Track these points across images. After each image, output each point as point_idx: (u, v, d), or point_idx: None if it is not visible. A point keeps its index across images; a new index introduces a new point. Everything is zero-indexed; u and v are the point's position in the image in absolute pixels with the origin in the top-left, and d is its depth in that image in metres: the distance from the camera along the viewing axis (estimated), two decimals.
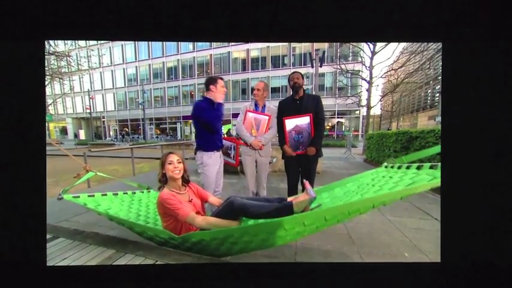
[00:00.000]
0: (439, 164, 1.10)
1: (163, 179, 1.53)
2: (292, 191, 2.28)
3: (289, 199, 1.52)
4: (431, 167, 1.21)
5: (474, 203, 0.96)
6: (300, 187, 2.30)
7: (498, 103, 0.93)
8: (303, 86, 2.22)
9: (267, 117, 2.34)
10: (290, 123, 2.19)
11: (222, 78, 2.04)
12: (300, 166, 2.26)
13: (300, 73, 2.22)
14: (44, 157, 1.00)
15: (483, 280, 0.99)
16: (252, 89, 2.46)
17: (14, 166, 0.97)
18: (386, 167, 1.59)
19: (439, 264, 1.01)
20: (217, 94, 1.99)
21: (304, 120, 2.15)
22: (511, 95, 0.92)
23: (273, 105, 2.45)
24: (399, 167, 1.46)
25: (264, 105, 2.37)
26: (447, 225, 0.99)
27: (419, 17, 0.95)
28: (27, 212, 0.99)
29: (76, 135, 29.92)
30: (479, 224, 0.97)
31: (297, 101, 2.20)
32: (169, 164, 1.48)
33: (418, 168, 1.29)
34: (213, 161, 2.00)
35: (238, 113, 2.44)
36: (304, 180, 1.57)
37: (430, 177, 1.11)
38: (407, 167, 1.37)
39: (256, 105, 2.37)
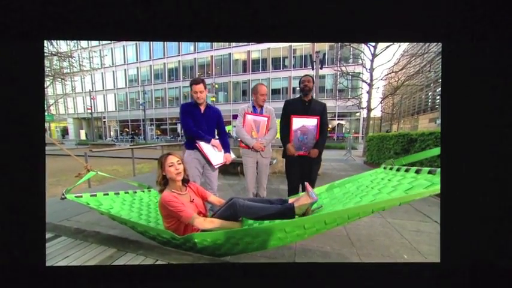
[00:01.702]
0: (438, 169, 1.09)
1: (163, 181, 1.51)
2: (292, 192, 2.28)
3: (290, 200, 1.52)
4: (429, 172, 1.20)
5: (474, 203, 0.97)
6: (300, 188, 2.31)
7: (498, 104, 0.94)
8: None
9: (266, 119, 2.35)
10: (297, 122, 2.21)
11: (196, 83, 2.02)
12: (302, 168, 2.27)
13: (312, 77, 2.26)
14: (44, 157, 0.99)
15: (483, 281, 0.99)
16: (252, 91, 2.48)
17: (13, 166, 0.97)
18: (385, 168, 1.59)
19: (438, 264, 1.01)
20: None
21: (311, 122, 2.19)
22: (511, 95, 0.93)
23: (272, 107, 2.47)
24: (398, 169, 1.46)
25: (262, 107, 2.39)
26: (447, 226, 0.99)
27: (419, 17, 0.95)
28: (26, 212, 0.98)
29: (63, 136, 30.21)
30: (479, 225, 0.97)
31: (305, 102, 2.23)
32: (171, 166, 1.47)
33: (417, 172, 1.29)
34: (188, 159, 2.10)
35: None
36: (306, 183, 1.56)
37: (428, 183, 1.10)
38: (406, 170, 1.37)
39: (254, 107, 2.38)
